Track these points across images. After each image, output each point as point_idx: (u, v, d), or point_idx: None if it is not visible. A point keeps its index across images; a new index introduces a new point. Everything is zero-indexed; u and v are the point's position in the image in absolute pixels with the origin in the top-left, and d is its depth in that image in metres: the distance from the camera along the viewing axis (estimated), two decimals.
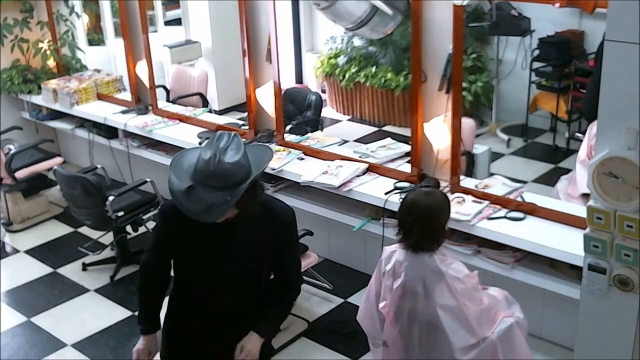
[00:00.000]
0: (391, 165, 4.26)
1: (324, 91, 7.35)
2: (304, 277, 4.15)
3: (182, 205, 2.43)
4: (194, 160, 2.47)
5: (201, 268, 2.64)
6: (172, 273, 2.77)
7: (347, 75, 7.01)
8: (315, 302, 4.46)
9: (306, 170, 4.36)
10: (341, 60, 7.13)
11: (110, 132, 5.74)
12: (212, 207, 2.38)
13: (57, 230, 5.63)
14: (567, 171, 4.47)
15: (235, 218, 2.53)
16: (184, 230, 2.59)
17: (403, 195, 3.84)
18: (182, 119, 5.42)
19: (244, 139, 4.79)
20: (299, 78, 7.71)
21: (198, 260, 2.64)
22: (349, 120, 7.23)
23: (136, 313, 4.49)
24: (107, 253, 5.13)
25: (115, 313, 4.50)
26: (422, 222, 2.78)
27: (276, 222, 2.61)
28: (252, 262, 2.61)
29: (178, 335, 2.78)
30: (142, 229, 5.09)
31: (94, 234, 5.26)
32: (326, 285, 4.41)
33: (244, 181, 2.40)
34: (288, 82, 6.99)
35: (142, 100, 5.71)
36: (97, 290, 4.78)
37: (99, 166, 5.33)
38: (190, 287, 2.71)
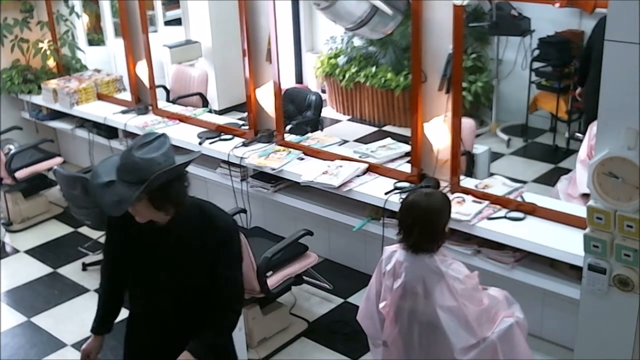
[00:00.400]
0: (391, 165, 4.26)
1: (324, 91, 7.35)
2: (304, 277, 4.15)
3: (94, 196, 2.47)
4: None
5: (142, 273, 2.65)
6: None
7: (347, 75, 7.01)
8: (315, 302, 4.46)
9: (306, 170, 4.36)
10: (341, 60, 7.13)
11: (110, 132, 5.75)
12: (120, 201, 2.40)
13: (57, 230, 5.63)
14: (567, 171, 4.47)
15: (170, 223, 2.53)
16: (125, 235, 2.62)
17: (403, 196, 3.87)
18: (182, 119, 5.42)
19: (243, 139, 4.85)
20: (299, 78, 7.71)
21: (138, 265, 2.65)
22: (349, 120, 7.23)
23: None
24: None
25: None
26: (422, 223, 2.78)
27: (212, 229, 2.57)
28: (187, 269, 2.59)
29: (130, 339, 2.83)
30: None
31: (94, 234, 5.26)
32: (326, 285, 4.41)
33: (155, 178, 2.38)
34: (288, 82, 6.99)
35: (142, 100, 5.71)
36: (97, 290, 4.77)
37: None
38: (137, 292, 2.73)
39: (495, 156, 5.56)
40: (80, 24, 6.72)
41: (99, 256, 5.09)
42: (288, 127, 5.08)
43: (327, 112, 7.19)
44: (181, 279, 2.59)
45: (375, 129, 6.91)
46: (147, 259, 2.61)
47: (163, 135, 2.48)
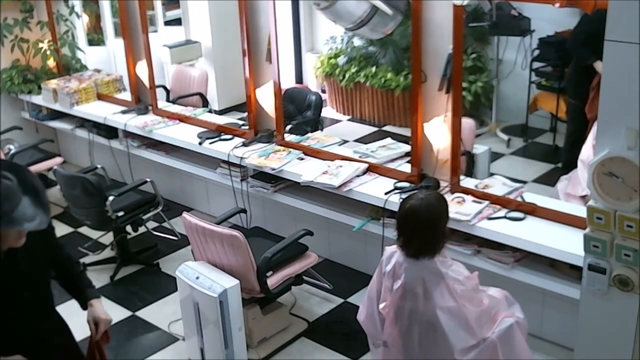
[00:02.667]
0: (391, 165, 4.26)
1: (324, 91, 7.35)
2: (304, 277, 4.15)
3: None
4: None
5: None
6: None
7: (347, 75, 7.01)
8: (315, 302, 4.46)
9: (306, 170, 4.36)
10: (341, 60, 7.13)
11: (110, 132, 5.75)
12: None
13: (57, 230, 5.52)
14: (567, 171, 4.47)
15: None
16: None
17: (403, 196, 3.86)
18: (182, 119, 5.42)
19: (243, 139, 4.86)
20: (299, 78, 7.71)
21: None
22: (349, 120, 7.23)
23: (137, 313, 4.51)
24: (107, 253, 5.12)
25: (115, 313, 4.49)
26: (422, 233, 2.77)
27: None
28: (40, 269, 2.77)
29: None
30: (142, 229, 5.09)
31: (94, 234, 5.26)
32: (326, 285, 4.41)
33: None
34: (288, 82, 6.99)
35: (142, 100, 5.72)
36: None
37: (99, 166, 5.33)
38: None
39: (495, 156, 5.56)
40: (80, 24, 6.72)
41: (99, 256, 5.10)
42: (288, 127, 5.09)
43: (327, 112, 7.20)
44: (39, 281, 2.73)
45: (375, 129, 6.91)
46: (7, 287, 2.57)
47: None
